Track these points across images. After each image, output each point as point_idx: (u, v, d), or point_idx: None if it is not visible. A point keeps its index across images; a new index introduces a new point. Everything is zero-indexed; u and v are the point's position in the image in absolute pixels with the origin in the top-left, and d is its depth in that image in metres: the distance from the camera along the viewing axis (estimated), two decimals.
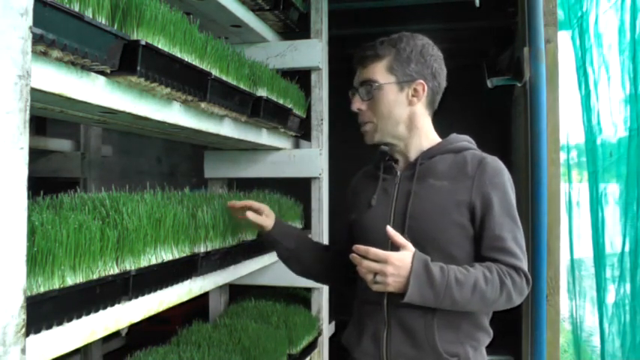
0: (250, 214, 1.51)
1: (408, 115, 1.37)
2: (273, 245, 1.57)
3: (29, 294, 0.82)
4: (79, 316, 0.96)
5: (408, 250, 1.23)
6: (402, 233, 1.30)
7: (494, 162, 1.34)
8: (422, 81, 1.36)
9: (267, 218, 1.54)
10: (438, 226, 1.30)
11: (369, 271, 1.22)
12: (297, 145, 2.31)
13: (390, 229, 1.24)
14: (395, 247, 1.27)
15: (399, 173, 1.40)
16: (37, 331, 0.86)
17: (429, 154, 1.38)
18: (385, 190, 1.40)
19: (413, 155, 1.40)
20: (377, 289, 1.24)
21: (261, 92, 1.78)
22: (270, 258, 1.96)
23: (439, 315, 1.28)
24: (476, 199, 1.29)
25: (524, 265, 1.28)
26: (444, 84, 1.42)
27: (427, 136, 1.41)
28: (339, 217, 1.63)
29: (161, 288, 1.23)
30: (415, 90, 1.36)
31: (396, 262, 1.20)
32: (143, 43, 1.09)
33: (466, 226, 1.30)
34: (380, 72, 1.35)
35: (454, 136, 1.42)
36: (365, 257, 1.22)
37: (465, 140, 1.42)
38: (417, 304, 1.24)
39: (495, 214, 1.29)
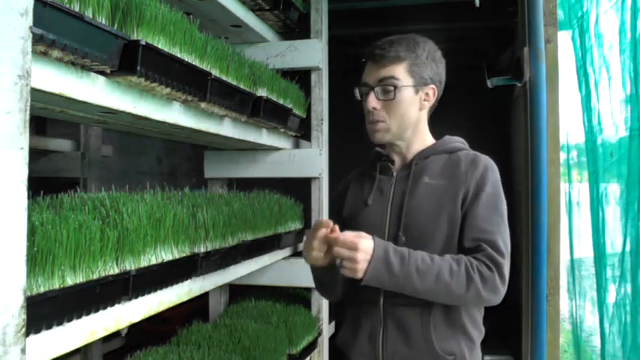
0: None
1: (416, 118, 1.40)
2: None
3: (29, 294, 0.82)
4: (79, 316, 0.96)
5: (365, 237, 1.24)
6: (398, 231, 1.32)
7: (487, 160, 1.37)
8: (433, 86, 1.39)
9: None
10: (433, 223, 1.31)
11: (338, 256, 1.24)
12: (297, 145, 2.31)
13: (331, 235, 1.24)
14: (392, 243, 1.28)
15: (394, 174, 1.42)
16: (37, 331, 0.86)
17: (424, 155, 1.41)
18: (381, 189, 1.42)
19: (410, 156, 1.42)
20: (345, 274, 1.25)
21: (261, 92, 1.78)
22: (270, 258, 1.96)
23: (435, 313, 1.29)
24: (468, 192, 1.31)
25: (503, 261, 1.25)
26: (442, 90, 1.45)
27: (424, 138, 1.44)
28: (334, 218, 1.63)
29: (161, 288, 1.23)
30: (427, 94, 1.39)
31: (365, 249, 1.22)
32: (143, 43, 1.09)
33: (460, 222, 1.31)
34: (401, 73, 1.35)
35: (448, 137, 1.45)
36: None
37: (459, 141, 1.45)
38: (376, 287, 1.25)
39: (481, 206, 1.29)
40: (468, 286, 1.22)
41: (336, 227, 1.27)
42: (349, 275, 1.25)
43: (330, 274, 1.39)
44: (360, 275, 1.23)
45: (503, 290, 1.26)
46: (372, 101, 1.36)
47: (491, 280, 1.23)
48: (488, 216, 1.29)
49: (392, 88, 1.34)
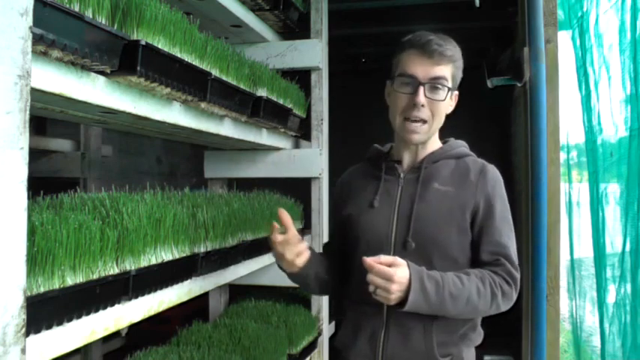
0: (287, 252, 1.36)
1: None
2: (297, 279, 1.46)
3: (29, 294, 0.82)
4: (79, 316, 0.96)
5: (400, 265, 1.21)
6: (407, 236, 1.31)
7: (494, 171, 1.39)
8: (456, 92, 1.40)
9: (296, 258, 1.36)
10: (442, 230, 1.31)
11: (372, 284, 1.20)
12: (297, 145, 2.30)
13: (367, 260, 1.20)
14: (399, 248, 1.30)
15: (402, 175, 1.40)
16: (37, 331, 0.86)
17: (433, 159, 1.39)
18: (387, 191, 1.39)
19: (420, 157, 1.40)
20: (379, 300, 1.23)
21: (261, 92, 1.78)
22: (270, 258, 1.96)
23: (438, 318, 1.29)
24: (479, 204, 1.33)
25: (518, 275, 1.31)
26: None
27: (435, 140, 1.43)
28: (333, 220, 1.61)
29: (161, 288, 1.23)
30: (451, 99, 1.39)
31: (400, 280, 1.19)
32: (143, 43, 1.09)
33: (468, 231, 1.32)
34: (449, 74, 1.34)
35: (453, 141, 1.46)
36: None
37: (463, 146, 1.45)
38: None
39: (497, 220, 1.32)
40: (491, 303, 1.27)
41: (292, 233, 1.32)
42: (382, 302, 1.24)
43: (302, 277, 1.41)
44: (392, 303, 1.23)
45: (515, 297, 1.32)
46: (422, 97, 1.30)
47: (510, 294, 1.29)
48: (502, 230, 1.32)
49: (443, 88, 1.32)
